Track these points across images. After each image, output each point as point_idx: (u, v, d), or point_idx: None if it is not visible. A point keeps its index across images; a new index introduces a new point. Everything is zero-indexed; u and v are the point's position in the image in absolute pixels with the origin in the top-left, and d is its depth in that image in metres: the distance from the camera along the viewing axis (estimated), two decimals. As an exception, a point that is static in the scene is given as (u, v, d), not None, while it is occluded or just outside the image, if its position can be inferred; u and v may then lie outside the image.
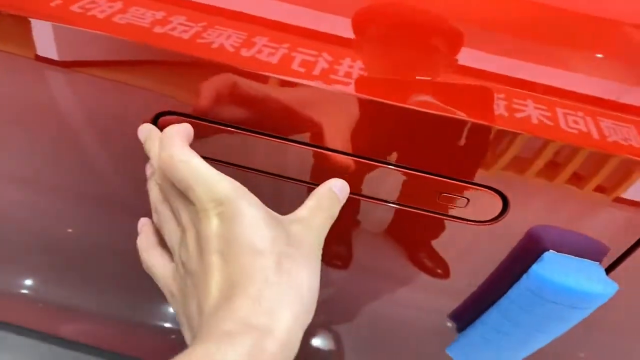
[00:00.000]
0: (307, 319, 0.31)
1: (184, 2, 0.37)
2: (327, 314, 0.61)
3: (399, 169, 0.38)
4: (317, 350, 0.67)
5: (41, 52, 0.38)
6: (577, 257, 0.40)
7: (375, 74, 0.35)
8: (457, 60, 0.35)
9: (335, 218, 0.36)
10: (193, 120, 0.38)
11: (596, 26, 0.36)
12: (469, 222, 0.40)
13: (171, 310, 0.69)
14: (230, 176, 0.33)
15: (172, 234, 0.35)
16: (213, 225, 0.31)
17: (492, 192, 0.38)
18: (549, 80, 0.35)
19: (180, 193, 0.34)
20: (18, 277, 0.75)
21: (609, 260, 0.41)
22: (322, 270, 0.33)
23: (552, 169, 0.36)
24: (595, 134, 0.34)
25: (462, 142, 0.35)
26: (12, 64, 0.40)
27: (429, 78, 0.35)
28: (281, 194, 0.43)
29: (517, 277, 0.42)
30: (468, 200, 0.38)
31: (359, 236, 0.47)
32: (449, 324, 0.53)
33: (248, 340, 0.27)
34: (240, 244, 0.30)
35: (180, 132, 0.35)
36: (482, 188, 0.38)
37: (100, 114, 0.42)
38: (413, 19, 0.36)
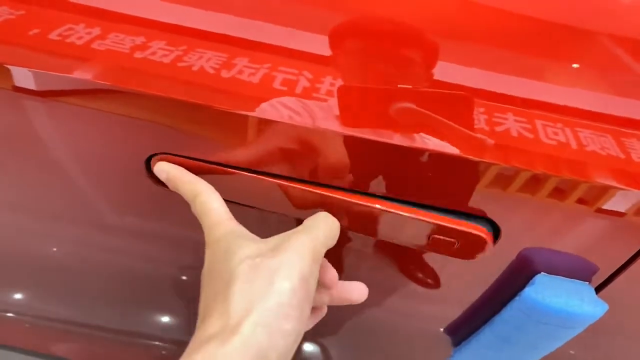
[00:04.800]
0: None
1: (164, 26, 0.36)
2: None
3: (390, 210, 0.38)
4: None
5: (19, 82, 0.37)
6: (567, 278, 0.40)
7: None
8: (433, 75, 0.36)
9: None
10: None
11: (572, 36, 0.37)
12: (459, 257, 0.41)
13: (160, 325, 0.68)
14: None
15: None
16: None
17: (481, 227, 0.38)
18: (527, 93, 0.36)
19: None
20: (3, 297, 0.74)
21: (598, 279, 0.41)
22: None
23: (558, 194, 0.36)
24: (573, 144, 0.35)
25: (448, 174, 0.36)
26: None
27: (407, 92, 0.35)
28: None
29: (510, 297, 0.43)
30: (457, 241, 0.38)
31: (349, 250, 0.48)
32: (438, 331, 0.54)
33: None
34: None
35: None
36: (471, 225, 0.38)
37: (79, 141, 0.42)
38: (388, 33, 0.37)
